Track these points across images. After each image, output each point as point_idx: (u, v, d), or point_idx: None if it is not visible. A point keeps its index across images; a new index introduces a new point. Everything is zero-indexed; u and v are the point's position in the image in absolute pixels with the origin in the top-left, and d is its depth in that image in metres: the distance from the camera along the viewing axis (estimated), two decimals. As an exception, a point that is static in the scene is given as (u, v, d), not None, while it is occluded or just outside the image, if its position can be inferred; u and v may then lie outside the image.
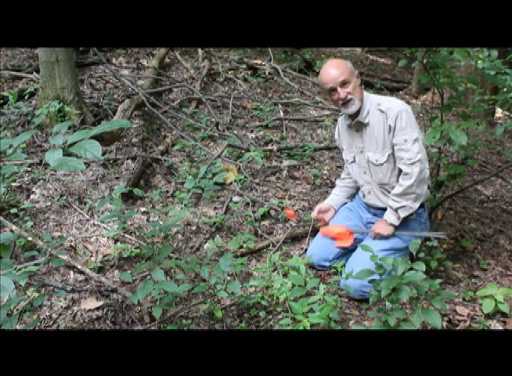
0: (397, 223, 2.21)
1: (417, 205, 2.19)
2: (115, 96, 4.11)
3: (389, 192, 2.26)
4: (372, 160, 2.26)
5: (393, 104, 2.17)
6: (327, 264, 2.39)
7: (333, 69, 2.17)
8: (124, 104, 3.61)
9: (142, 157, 3.23)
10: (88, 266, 2.28)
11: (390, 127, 2.14)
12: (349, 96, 2.17)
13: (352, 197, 2.60)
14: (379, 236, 2.24)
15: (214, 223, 2.74)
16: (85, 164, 2.43)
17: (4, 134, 3.23)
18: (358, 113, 2.23)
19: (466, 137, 2.03)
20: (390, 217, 2.22)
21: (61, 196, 2.77)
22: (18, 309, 1.99)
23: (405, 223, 2.23)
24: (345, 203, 2.57)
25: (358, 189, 2.54)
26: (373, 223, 2.35)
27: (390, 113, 2.13)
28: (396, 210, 2.19)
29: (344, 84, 2.16)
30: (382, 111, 2.16)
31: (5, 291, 1.27)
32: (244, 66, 5.60)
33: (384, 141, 2.19)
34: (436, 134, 2.12)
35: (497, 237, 2.89)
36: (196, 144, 3.49)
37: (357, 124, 2.26)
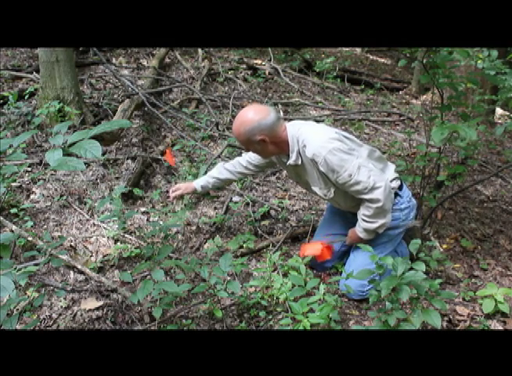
0: (372, 237, 2.17)
1: (390, 217, 2.11)
2: (115, 96, 4.11)
3: (356, 205, 2.16)
4: (320, 195, 2.18)
5: (316, 147, 1.97)
6: (329, 265, 2.39)
7: (234, 127, 2.06)
8: (124, 104, 3.62)
9: (142, 157, 3.23)
10: (88, 266, 2.28)
11: (324, 173, 2.01)
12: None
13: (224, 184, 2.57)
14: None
15: (214, 223, 2.74)
16: (85, 164, 2.43)
17: (4, 134, 3.22)
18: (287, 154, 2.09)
19: (476, 132, 1.98)
20: (365, 235, 2.16)
21: (61, 196, 2.77)
22: (18, 309, 1.99)
23: None
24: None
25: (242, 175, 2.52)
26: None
27: (317, 160, 1.97)
28: (374, 230, 2.13)
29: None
30: (310, 159, 2.01)
31: (5, 291, 1.27)
32: (244, 66, 5.61)
33: (325, 181, 2.08)
34: (443, 131, 2.05)
35: (497, 237, 2.88)
36: (196, 144, 3.49)
37: (291, 165, 2.12)
